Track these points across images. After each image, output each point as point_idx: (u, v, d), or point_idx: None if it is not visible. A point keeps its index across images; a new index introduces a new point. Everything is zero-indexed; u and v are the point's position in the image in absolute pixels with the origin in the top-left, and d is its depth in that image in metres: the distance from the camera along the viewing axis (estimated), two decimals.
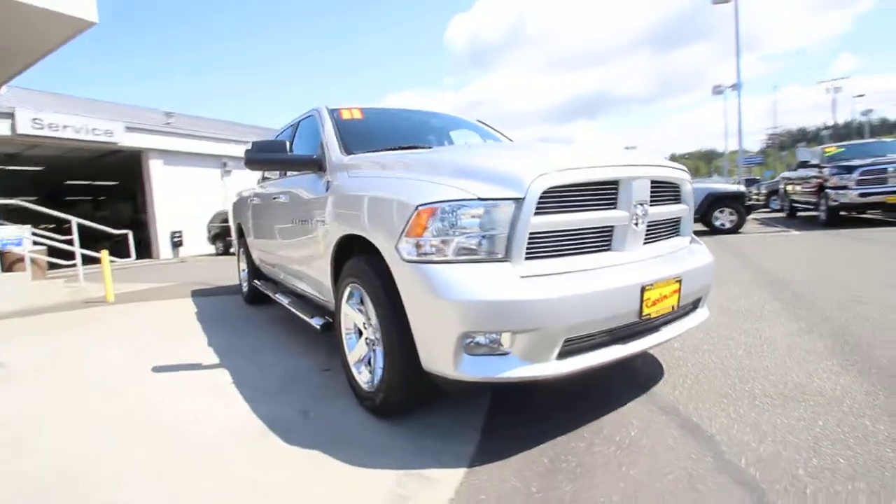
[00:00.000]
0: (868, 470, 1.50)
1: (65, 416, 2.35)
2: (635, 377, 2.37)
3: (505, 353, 1.63)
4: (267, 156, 2.65)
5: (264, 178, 4.20)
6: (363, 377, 2.21)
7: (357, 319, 2.24)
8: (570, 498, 1.47)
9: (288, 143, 2.69)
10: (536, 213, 1.65)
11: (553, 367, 1.64)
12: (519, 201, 1.64)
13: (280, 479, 1.68)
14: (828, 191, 9.35)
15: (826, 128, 53.69)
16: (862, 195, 8.75)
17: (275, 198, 3.31)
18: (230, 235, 15.72)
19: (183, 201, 16.92)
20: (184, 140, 16.99)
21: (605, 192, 1.85)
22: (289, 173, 3.31)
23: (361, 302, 2.22)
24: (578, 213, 1.77)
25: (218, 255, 15.99)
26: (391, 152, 2.45)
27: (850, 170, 8.94)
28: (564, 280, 1.68)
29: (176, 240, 15.90)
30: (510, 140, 3.52)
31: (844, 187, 8.97)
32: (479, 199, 1.65)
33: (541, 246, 1.71)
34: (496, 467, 1.67)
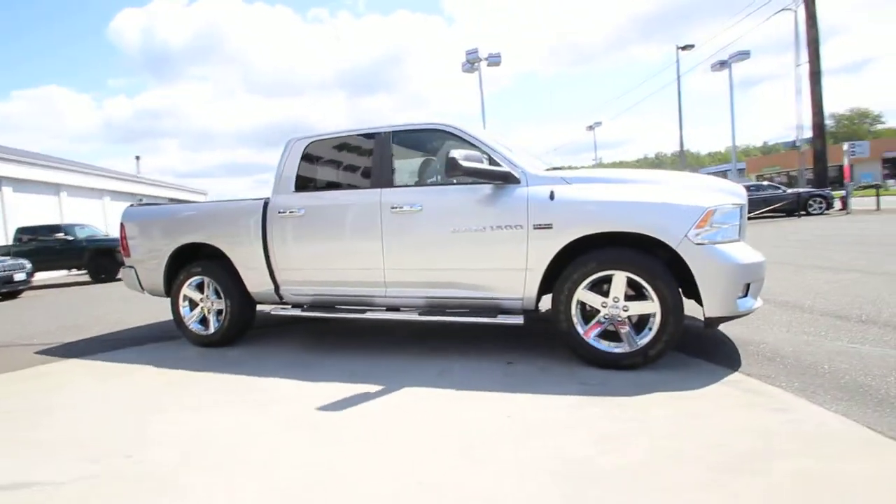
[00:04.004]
0: None
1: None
2: None
3: (747, 296, 2.74)
4: (471, 165, 2.85)
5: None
6: (605, 345, 2.84)
7: (594, 301, 2.85)
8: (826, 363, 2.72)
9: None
10: None
11: (760, 303, 2.85)
12: (742, 206, 2.82)
13: (694, 405, 2.27)
14: None
15: None
16: None
17: (412, 206, 3.21)
18: None
19: None
20: None
21: None
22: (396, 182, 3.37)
23: (593, 287, 2.85)
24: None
25: None
26: (591, 169, 3.14)
27: None
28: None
29: None
30: None
31: None
32: (734, 203, 2.74)
33: None
34: (753, 368, 2.73)
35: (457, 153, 2.82)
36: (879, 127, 57.45)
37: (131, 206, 4.48)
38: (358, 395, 2.72)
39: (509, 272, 3.01)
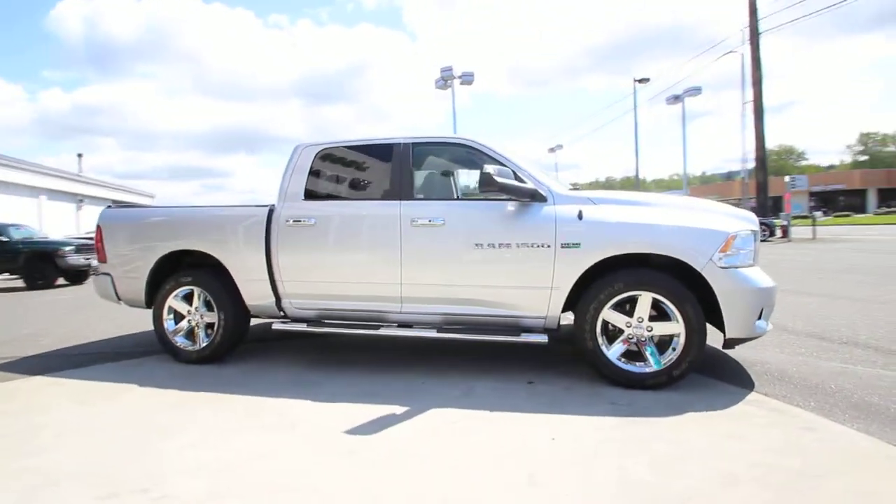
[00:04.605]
0: None
1: None
2: None
3: (761, 319, 2.87)
4: (505, 181, 2.84)
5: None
6: (629, 365, 2.87)
7: (618, 321, 2.89)
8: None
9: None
10: None
11: (771, 326, 2.98)
12: (756, 232, 2.96)
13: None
14: None
15: None
16: None
17: (434, 220, 3.11)
18: None
19: None
20: None
21: None
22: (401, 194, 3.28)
23: (616, 306, 2.89)
24: None
25: None
26: (614, 191, 3.20)
27: None
28: None
29: None
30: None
31: None
32: (750, 230, 2.87)
33: None
34: (768, 388, 2.85)
35: (490, 169, 2.80)
36: (803, 163, 63.41)
37: (109, 206, 4.12)
38: (383, 416, 2.58)
39: (534, 290, 2.99)
